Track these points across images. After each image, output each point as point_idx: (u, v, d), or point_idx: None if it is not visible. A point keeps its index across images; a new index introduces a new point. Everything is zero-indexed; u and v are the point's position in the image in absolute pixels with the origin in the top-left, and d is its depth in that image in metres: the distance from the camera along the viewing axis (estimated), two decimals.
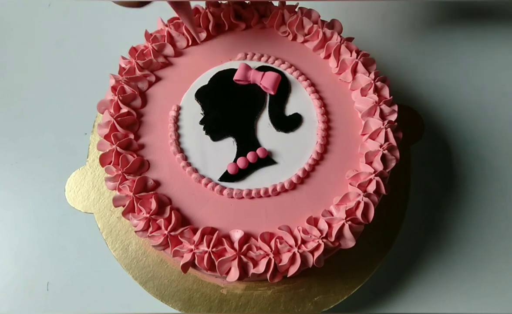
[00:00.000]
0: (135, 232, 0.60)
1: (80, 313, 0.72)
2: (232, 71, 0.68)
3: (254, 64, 0.69)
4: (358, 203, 0.60)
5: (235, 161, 0.63)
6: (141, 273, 0.68)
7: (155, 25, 0.71)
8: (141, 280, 0.67)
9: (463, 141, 0.84)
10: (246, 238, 0.60)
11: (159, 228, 0.60)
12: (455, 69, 0.90)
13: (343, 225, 0.59)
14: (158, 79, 0.70)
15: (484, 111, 0.87)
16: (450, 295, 0.74)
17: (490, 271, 0.75)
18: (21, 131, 0.84)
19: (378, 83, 0.67)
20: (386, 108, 0.65)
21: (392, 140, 0.63)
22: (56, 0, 0.97)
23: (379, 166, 0.62)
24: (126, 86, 0.67)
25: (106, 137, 0.64)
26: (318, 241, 0.59)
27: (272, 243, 0.59)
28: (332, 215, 0.61)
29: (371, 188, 0.61)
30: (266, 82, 0.66)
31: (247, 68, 0.67)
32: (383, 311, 0.73)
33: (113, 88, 0.67)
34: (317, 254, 0.59)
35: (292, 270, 0.59)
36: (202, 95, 0.68)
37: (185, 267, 0.59)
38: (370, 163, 0.63)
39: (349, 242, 0.60)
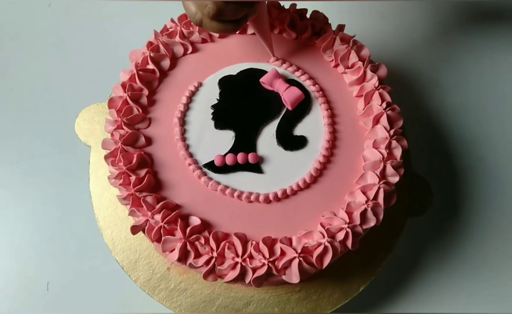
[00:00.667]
0: (108, 178, 0.63)
1: (80, 313, 0.72)
2: (263, 72, 0.68)
3: (286, 74, 0.69)
4: (319, 244, 0.58)
5: (225, 154, 0.63)
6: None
7: (156, 25, 0.72)
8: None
9: (463, 141, 0.83)
10: (202, 227, 0.60)
11: (129, 183, 0.61)
12: (455, 69, 0.90)
13: (294, 258, 0.58)
14: (195, 50, 0.71)
15: (484, 111, 0.86)
16: (451, 295, 0.74)
17: (491, 271, 0.75)
18: (21, 131, 0.84)
19: (394, 142, 0.64)
20: (390, 169, 0.62)
21: (380, 200, 0.61)
22: (56, 0, 0.96)
23: (356, 219, 0.60)
24: (161, 46, 0.69)
25: (123, 85, 0.67)
26: (263, 262, 0.57)
27: (222, 244, 0.58)
28: (290, 245, 0.59)
29: (339, 237, 0.59)
30: (288, 96, 0.66)
31: (276, 76, 0.67)
32: (385, 311, 0.73)
33: (149, 44, 0.69)
34: (258, 273, 0.57)
35: (229, 277, 0.58)
36: (225, 83, 0.69)
37: (134, 230, 0.60)
38: (349, 213, 0.60)
39: (294, 276, 0.58)
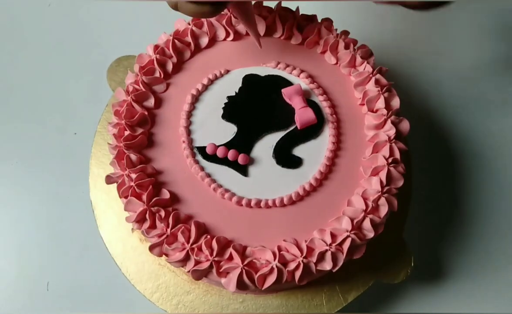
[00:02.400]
0: (108, 123, 0.65)
1: (80, 313, 0.72)
2: (289, 84, 0.68)
3: (309, 92, 0.68)
4: (266, 265, 0.58)
5: (219, 146, 0.64)
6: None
7: (156, 25, 0.72)
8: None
9: (463, 141, 0.83)
10: (169, 202, 0.62)
11: (121, 136, 0.64)
12: (455, 69, 0.89)
13: (237, 268, 0.58)
14: (237, 38, 0.73)
15: (484, 111, 0.86)
16: (451, 295, 0.74)
17: (491, 271, 0.75)
18: (21, 131, 0.83)
19: (382, 199, 0.61)
20: (368, 224, 0.60)
21: (344, 248, 0.59)
22: (56, 0, 0.96)
23: (314, 257, 0.59)
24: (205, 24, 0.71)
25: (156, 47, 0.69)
26: (208, 259, 0.58)
27: (178, 226, 0.59)
28: (241, 252, 0.59)
29: (291, 266, 0.58)
30: (300, 116, 0.65)
31: (298, 92, 0.66)
32: (385, 311, 0.73)
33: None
34: (198, 267, 0.58)
35: (173, 259, 0.59)
36: (248, 80, 0.69)
37: (108, 179, 0.63)
38: (310, 249, 0.59)
39: (231, 284, 0.58)
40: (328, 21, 0.72)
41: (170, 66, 0.69)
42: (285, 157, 0.64)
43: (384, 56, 0.86)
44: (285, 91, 0.66)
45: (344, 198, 0.63)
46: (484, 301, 0.73)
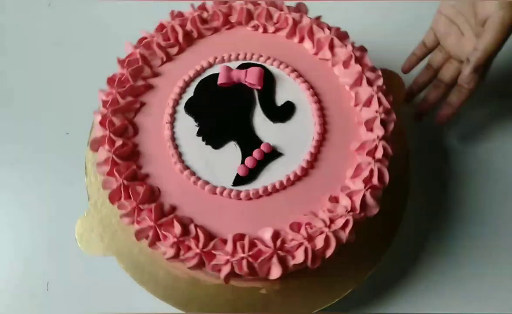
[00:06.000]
0: (167, 259, 0.59)
1: (80, 313, 0.72)
2: (214, 76, 0.68)
3: (234, 64, 0.70)
4: (372, 170, 0.62)
5: (242, 162, 0.63)
6: (178, 300, 0.66)
7: (154, 25, 0.71)
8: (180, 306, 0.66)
9: (463, 142, 0.85)
10: (276, 234, 0.60)
11: (190, 248, 0.59)
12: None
13: (364, 194, 0.61)
14: (143, 104, 0.68)
15: (485, 111, 0.88)
16: (450, 295, 0.74)
17: (490, 270, 0.75)
18: (21, 131, 0.85)
19: (358, 53, 0.68)
20: (371, 75, 0.67)
21: (385, 103, 0.65)
22: (56, 0, 0.99)
23: (379, 131, 0.64)
24: (114, 118, 0.65)
25: (109, 174, 0.62)
26: (346, 217, 0.59)
27: (303, 231, 0.59)
28: (350, 189, 0.62)
29: (379, 153, 0.63)
30: (251, 78, 0.67)
31: (229, 69, 0.67)
32: (380, 311, 0.73)
33: (102, 123, 0.65)
34: (347, 229, 0.60)
35: (329, 252, 0.59)
36: (191, 107, 0.67)
37: (227, 278, 0.58)
38: (370, 130, 0.65)
39: (373, 209, 0.61)
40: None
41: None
42: (281, 111, 0.67)
43: (385, 56, 0.83)
44: (221, 80, 0.68)
45: (301, 210, 0.63)
46: (483, 300, 0.73)
